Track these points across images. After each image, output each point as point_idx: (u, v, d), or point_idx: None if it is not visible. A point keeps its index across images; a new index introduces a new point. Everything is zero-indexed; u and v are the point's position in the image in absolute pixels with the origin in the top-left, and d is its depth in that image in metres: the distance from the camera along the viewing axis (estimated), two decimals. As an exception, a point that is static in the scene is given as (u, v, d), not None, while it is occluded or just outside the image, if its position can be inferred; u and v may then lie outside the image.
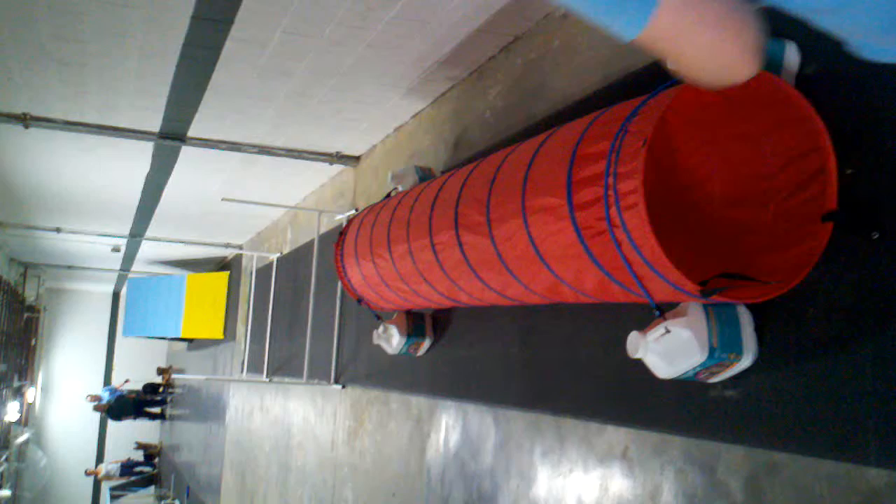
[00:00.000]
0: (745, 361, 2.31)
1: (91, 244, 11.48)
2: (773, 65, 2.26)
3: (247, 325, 10.08)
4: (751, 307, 2.33)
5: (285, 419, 8.22)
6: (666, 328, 2.29)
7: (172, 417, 18.84)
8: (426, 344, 4.49)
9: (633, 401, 2.79)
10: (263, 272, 9.39)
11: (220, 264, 13.75)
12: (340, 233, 4.62)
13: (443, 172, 4.61)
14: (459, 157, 4.61)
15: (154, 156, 6.55)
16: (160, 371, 19.36)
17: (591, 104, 3.17)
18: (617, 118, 2.25)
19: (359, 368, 5.92)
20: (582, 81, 3.43)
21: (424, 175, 4.48)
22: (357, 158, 6.57)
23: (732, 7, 1.14)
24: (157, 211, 8.98)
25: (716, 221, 2.51)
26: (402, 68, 4.59)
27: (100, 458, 20.92)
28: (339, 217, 6.72)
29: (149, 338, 16.63)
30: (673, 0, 1.05)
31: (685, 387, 2.45)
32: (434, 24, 3.92)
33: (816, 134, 2.16)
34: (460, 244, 2.96)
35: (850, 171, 2.15)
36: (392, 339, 4.46)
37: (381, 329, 4.56)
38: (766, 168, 2.35)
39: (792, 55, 2.28)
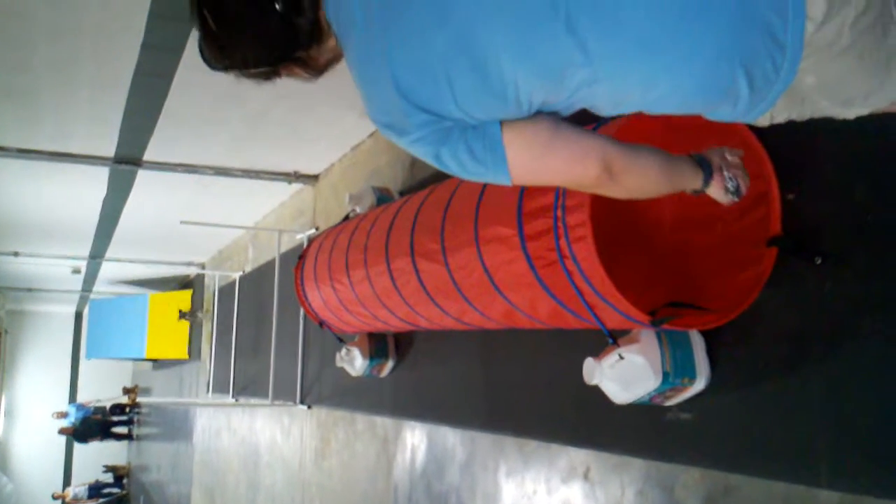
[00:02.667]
0: (699, 385, 2.35)
1: (51, 266, 11.32)
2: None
3: (211, 345, 10.01)
4: (703, 331, 2.36)
5: (253, 439, 8.17)
6: (620, 355, 2.32)
7: (140, 437, 18.62)
8: (389, 365, 4.49)
9: (592, 423, 2.81)
10: (226, 291, 9.33)
11: (183, 283, 13.63)
12: (299, 257, 4.61)
13: (401, 193, 4.62)
14: (416, 176, 4.62)
15: (110, 180, 6.48)
16: (126, 391, 19.13)
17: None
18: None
19: (324, 389, 5.91)
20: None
21: (382, 196, 4.49)
22: (316, 177, 6.55)
23: (572, 143, 1.44)
24: (117, 232, 8.89)
25: (667, 245, 2.54)
26: (357, 89, 4.58)
27: (67, 481, 20.59)
28: (299, 236, 6.70)
29: (113, 359, 16.43)
30: (515, 162, 1.39)
31: (642, 410, 2.48)
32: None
33: (759, 160, 2.20)
34: (417, 271, 2.96)
35: (791, 196, 2.19)
36: (355, 362, 4.46)
37: (343, 351, 4.55)
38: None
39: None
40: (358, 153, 5.77)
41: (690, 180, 1.60)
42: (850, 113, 1.41)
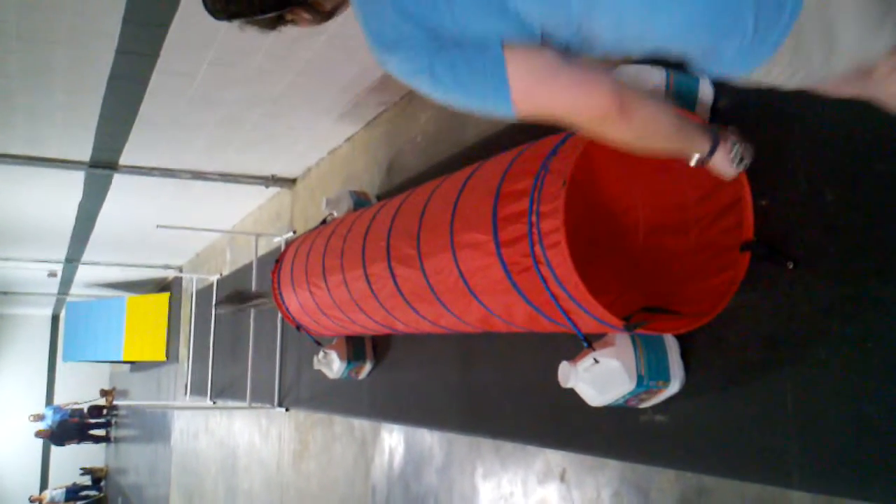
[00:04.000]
0: (673, 388, 2.37)
1: (27, 270, 11.23)
2: (687, 99, 2.33)
3: (189, 347, 9.96)
4: (677, 335, 2.39)
5: (231, 441, 8.15)
6: (595, 358, 2.34)
7: (118, 440, 18.50)
8: (367, 368, 4.50)
9: (568, 425, 2.83)
10: (204, 294, 9.29)
11: (161, 285, 13.55)
12: (276, 260, 4.60)
13: (378, 196, 4.63)
14: (393, 180, 4.63)
15: (86, 184, 6.45)
16: (103, 393, 19.00)
17: (517, 131, 3.22)
18: (539, 155, 2.29)
19: (302, 391, 5.90)
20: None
21: (359, 200, 4.49)
22: (293, 181, 6.55)
23: (579, 74, 1.37)
24: (93, 236, 8.84)
25: (642, 249, 2.57)
26: (333, 94, 4.59)
27: (44, 484, 20.41)
28: (276, 239, 6.69)
29: (90, 362, 16.31)
30: (521, 89, 1.33)
31: (617, 412, 2.50)
32: (362, 51, 3.93)
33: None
34: (393, 276, 2.97)
35: (764, 202, 2.22)
36: (333, 364, 4.46)
37: (321, 354, 4.55)
38: (685, 198, 2.42)
39: (706, 89, 2.35)
40: (335, 157, 5.77)
41: (698, 142, 1.58)
42: (838, 65, 1.34)
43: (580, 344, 2.40)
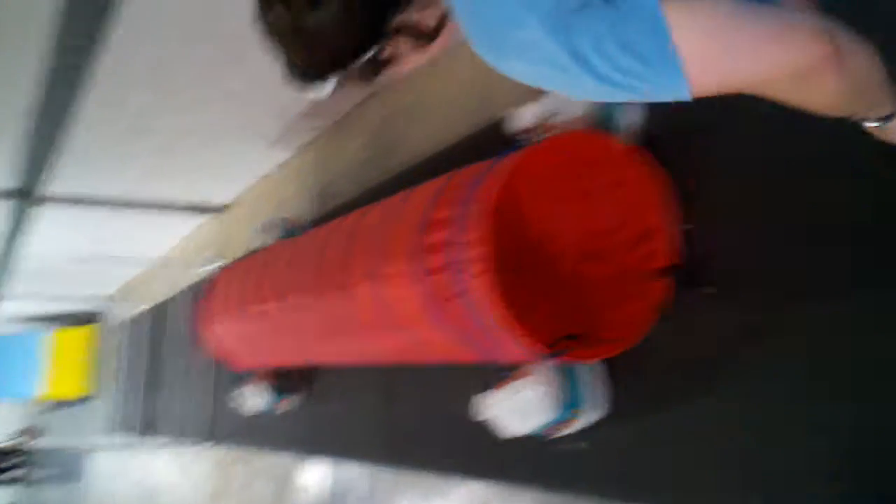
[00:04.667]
0: (595, 415, 2.38)
1: (-60, 304, 10.85)
2: (610, 125, 2.36)
3: (115, 382, 9.72)
4: (600, 361, 2.41)
5: (151, 480, 7.92)
6: (517, 387, 2.34)
7: (32, 482, 17.85)
8: (292, 401, 4.43)
9: (490, 455, 2.81)
10: (132, 326, 9.09)
11: (88, 318, 13.22)
12: (201, 291, 4.53)
13: (310, 223, 4.60)
14: (325, 207, 4.61)
15: (9, 215, 6.29)
16: (22, 432, 18.36)
17: (444, 159, 3.25)
18: (464, 183, 2.30)
19: (228, 426, 5.79)
20: (436, 137, 3.50)
21: (290, 228, 4.46)
22: (224, 208, 6.48)
23: (770, 19, 1.03)
24: (16, 268, 8.59)
25: (569, 275, 2.58)
26: (264, 120, 4.59)
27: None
28: (206, 268, 6.60)
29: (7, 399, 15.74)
30: (695, 58, 0.99)
31: (539, 441, 2.50)
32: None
33: (656, 189, 2.27)
34: (317, 307, 2.94)
35: (688, 226, 2.26)
36: (257, 398, 4.39)
37: (245, 387, 4.48)
38: (607, 224, 2.45)
39: (632, 115, 2.39)
40: (266, 184, 5.73)
41: (889, 100, 1.23)
42: None
43: (503, 373, 2.40)
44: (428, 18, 1.17)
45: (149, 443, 7.88)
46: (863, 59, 1.08)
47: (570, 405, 2.34)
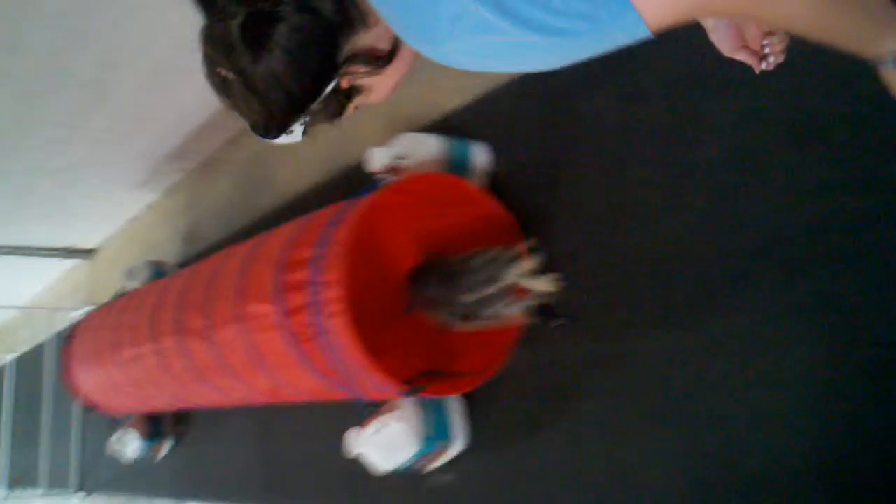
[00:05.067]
0: (458, 447, 2.45)
1: None
2: (461, 165, 2.45)
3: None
4: (461, 394, 2.47)
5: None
6: (382, 423, 2.38)
7: None
8: (167, 445, 4.34)
9: (364, 493, 2.84)
10: (-3, 376, 8.69)
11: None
12: (67, 336, 4.40)
13: (178, 265, 4.54)
14: (195, 248, 4.56)
15: None
16: None
17: (312, 197, 3.28)
18: (321, 224, 2.34)
19: (102, 474, 5.60)
20: (304, 175, 3.53)
21: (158, 270, 4.38)
22: (91, 251, 6.31)
23: None
24: None
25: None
26: (129, 162, 4.51)
27: None
28: (73, 314, 6.39)
29: None
30: None
31: (407, 475, 2.54)
32: (153, 120, 3.90)
33: (502, 227, 2.36)
34: (183, 350, 2.91)
35: (533, 244, 2.35)
36: (130, 444, 4.29)
37: (118, 434, 4.37)
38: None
39: (481, 156, 2.48)
40: (135, 226, 5.62)
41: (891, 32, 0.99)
42: None
43: (370, 409, 2.44)
44: (380, 41, 1.11)
45: (18, 497, 7.52)
46: None
47: (436, 438, 2.40)
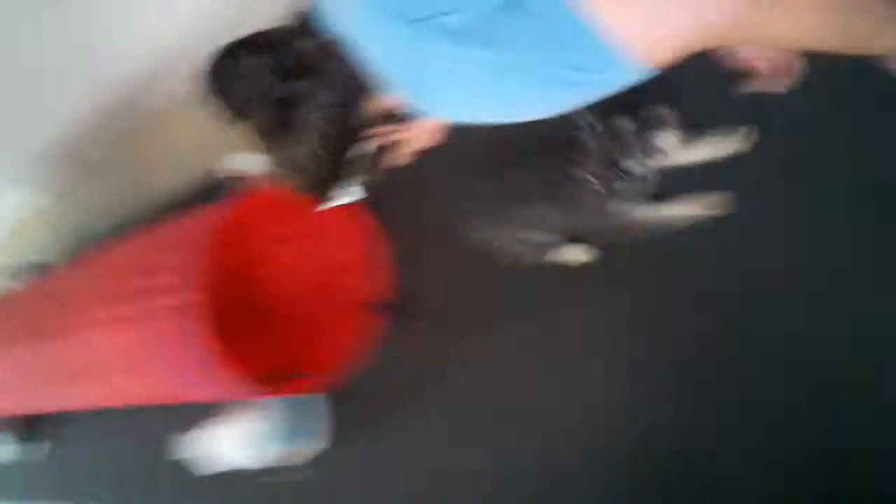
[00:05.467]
0: (321, 444, 2.52)
1: None
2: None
3: None
4: (326, 391, 2.55)
5: None
6: (242, 421, 2.45)
7: None
8: (42, 447, 4.29)
9: (225, 494, 2.87)
10: None
11: None
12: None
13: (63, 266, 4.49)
14: (79, 249, 4.51)
15: None
16: None
17: (191, 200, 3.31)
18: (183, 227, 2.40)
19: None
20: (184, 178, 3.56)
21: (40, 272, 4.33)
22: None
23: None
24: None
25: (290, 314, 2.72)
26: (17, 164, 4.44)
27: None
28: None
29: None
30: (628, 24, 0.92)
31: (267, 472, 2.59)
32: (35, 121, 3.87)
33: (359, 234, 2.46)
34: (48, 352, 2.90)
35: (391, 251, 2.48)
36: (3, 447, 4.23)
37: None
38: (328, 266, 2.62)
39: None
40: (23, 227, 5.51)
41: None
42: None
43: (226, 409, 2.51)
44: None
45: None
46: None
47: (299, 435, 2.47)
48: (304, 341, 2.60)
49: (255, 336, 2.58)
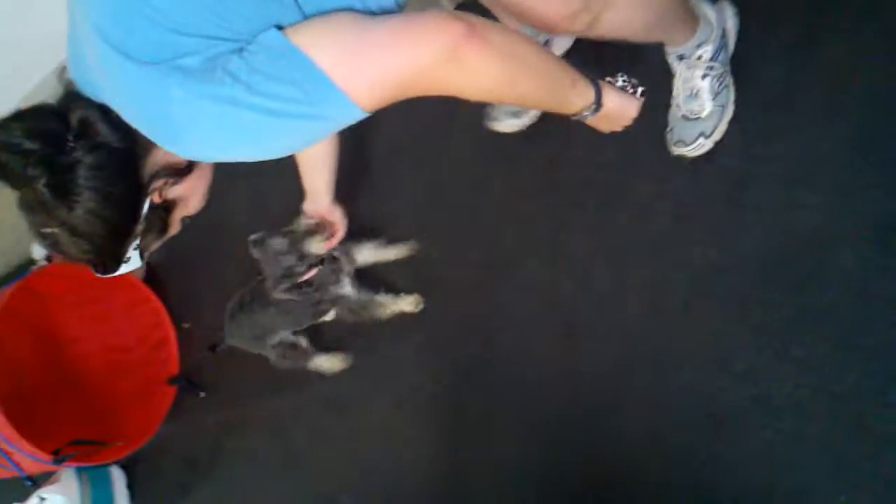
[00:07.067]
0: (120, 516, 2.58)
1: None
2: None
3: None
4: (124, 466, 2.62)
5: None
6: (40, 496, 2.47)
7: None
8: None
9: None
10: None
11: None
12: None
13: None
14: None
15: None
16: None
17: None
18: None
19: None
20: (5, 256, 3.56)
21: None
22: None
23: (397, 20, 1.08)
24: None
25: (96, 389, 2.78)
26: None
27: None
28: None
29: None
30: (331, 63, 1.03)
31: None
32: None
33: (157, 311, 2.58)
34: None
35: (186, 325, 2.62)
36: None
37: None
38: (128, 341, 2.72)
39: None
40: None
41: (580, 89, 1.25)
42: None
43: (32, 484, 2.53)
44: (173, 155, 1.16)
45: None
46: (508, 39, 1.10)
47: (94, 509, 2.52)
48: (110, 413, 2.67)
49: (69, 404, 2.63)
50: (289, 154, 1.18)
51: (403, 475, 1.96)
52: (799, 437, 1.39)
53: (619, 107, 1.31)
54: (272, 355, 2.16)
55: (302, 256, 1.85)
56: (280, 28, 1.03)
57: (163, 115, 1.05)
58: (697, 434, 1.50)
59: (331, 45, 1.01)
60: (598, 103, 1.27)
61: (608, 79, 1.31)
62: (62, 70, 1.18)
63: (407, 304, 2.05)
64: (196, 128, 1.05)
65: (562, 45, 1.82)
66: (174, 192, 1.23)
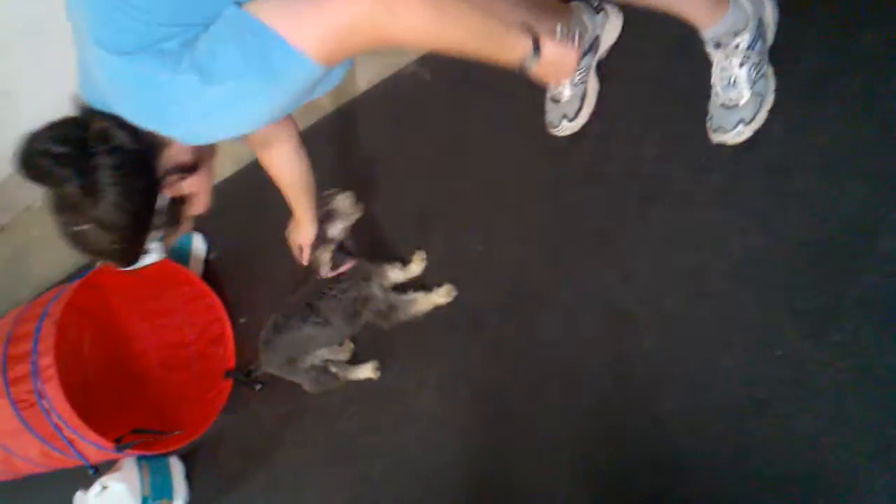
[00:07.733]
0: (181, 504, 2.66)
1: None
2: (181, 254, 2.74)
3: None
4: (182, 456, 2.70)
5: None
6: (103, 485, 2.57)
7: None
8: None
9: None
10: None
11: None
12: None
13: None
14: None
15: None
16: None
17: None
18: (44, 301, 2.56)
19: None
20: (63, 266, 3.68)
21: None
22: None
23: None
24: None
25: (154, 380, 2.88)
26: None
27: None
28: None
29: None
30: (284, 25, 1.16)
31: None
32: None
33: (215, 307, 2.65)
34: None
35: (243, 319, 2.68)
36: None
37: None
38: (187, 336, 2.80)
39: (199, 244, 2.79)
40: None
41: (516, 38, 1.33)
42: None
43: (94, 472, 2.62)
44: (181, 154, 1.36)
45: None
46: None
47: (155, 497, 2.60)
48: (168, 405, 2.75)
49: (129, 397, 2.72)
50: (267, 123, 1.30)
51: (446, 461, 2.02)
52: (841, 421, 1.41)
53: (557, 54, 1.37)
54: (305, 381, 2.24)
55: (330, 215, 2.01)
56: (239, 5, 1.18)
57: (152, 99, 1.21)
58: (740, 419, 1.53)
59: (277, 7, 1.15)
60: (537, 51, 1.34)
61: (543, 23, 1.39)
62: (76, 97, 1.33)
63: (439, 296, 2.12)
64: (178, 106, 1.20)
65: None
66: (183, 187, 1.40)
